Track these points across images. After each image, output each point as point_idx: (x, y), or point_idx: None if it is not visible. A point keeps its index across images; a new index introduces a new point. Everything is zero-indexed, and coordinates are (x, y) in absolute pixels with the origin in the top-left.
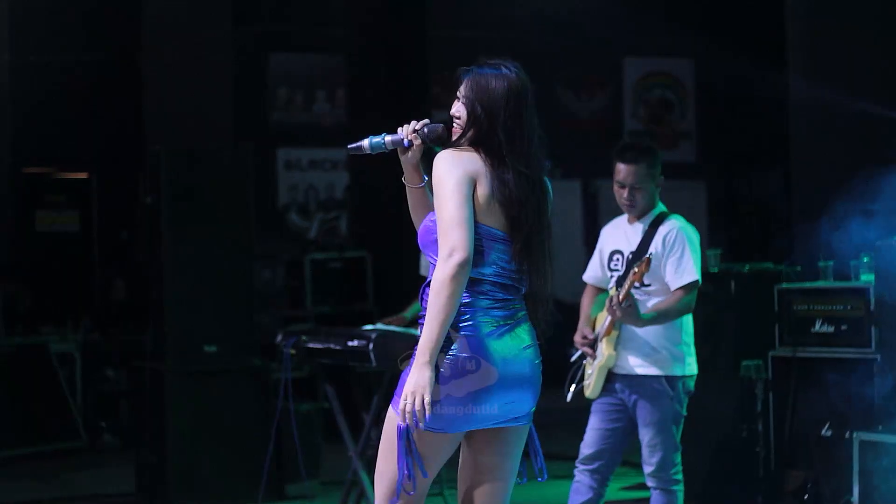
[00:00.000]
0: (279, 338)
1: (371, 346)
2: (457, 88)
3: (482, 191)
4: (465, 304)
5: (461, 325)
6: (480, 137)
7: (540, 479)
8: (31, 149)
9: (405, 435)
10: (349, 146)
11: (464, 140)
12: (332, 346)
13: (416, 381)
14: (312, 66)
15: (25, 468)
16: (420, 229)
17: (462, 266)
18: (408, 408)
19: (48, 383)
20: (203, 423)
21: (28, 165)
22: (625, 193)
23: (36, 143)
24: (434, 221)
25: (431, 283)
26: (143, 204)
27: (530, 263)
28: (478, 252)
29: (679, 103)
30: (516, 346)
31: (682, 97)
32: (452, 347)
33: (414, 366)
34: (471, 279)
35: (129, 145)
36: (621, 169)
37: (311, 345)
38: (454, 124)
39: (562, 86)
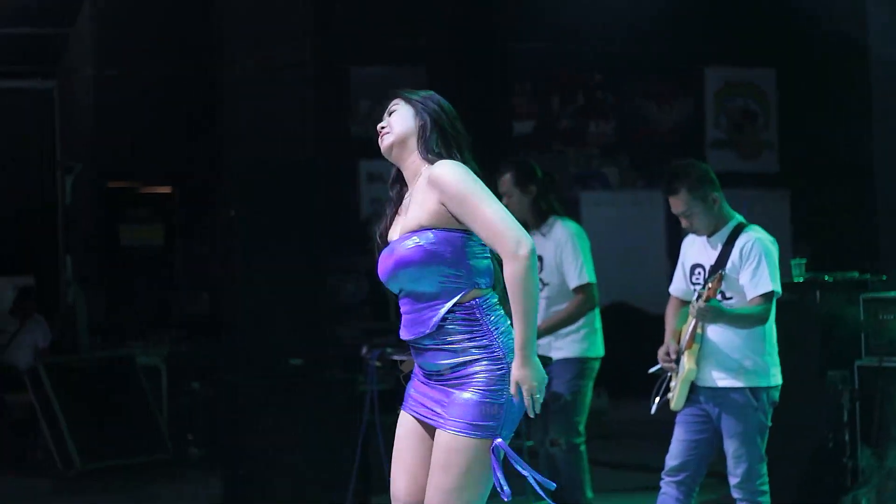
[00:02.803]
0: (364, 350)
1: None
2: (387, 106)
3: None
4: (499, 308)
5: (503, 329)
6: (443, 153)
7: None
8: (114, 164)
9: (500, 453)
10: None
11: (428, 156)
12: (405, 356)
13: (536, 375)
14: (394, 78)
15: (112, 481)
16: (409, 254)
17: (533, 253)
18: (538, 399)
19: (134, 396)
20: (288, 436)
21: (112, 180)
22: (683, 222)
23: (119, 157)
24: (431, 242)
25: (514, 281)
26: (226, 217)
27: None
28: (486, 261)
29: (761, 113)
30: None
31: (765, 106)
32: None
33: (524, 362)
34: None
35: (213, 159)
36: (669, 201)
37: (396, 356)
38: (383, 132)
39: (642, 96)
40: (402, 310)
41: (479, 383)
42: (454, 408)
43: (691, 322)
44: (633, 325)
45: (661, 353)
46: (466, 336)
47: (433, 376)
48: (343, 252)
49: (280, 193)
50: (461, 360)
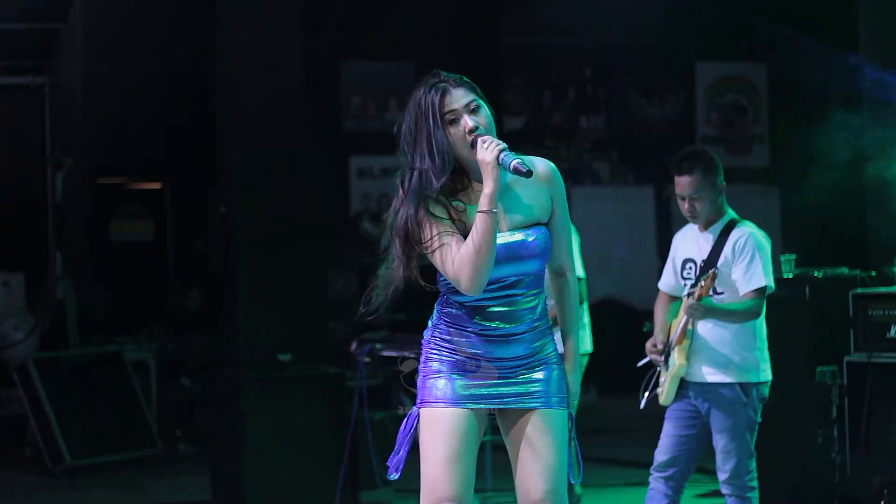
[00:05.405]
0: (353, 346)
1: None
2: (467, 96)
3: None
4: None
5: None
6: None
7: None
8: (105, 159)
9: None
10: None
11: None
12: (406, 353)
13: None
14: (385, 73)
15: (101, 476)
16: (540, 248)
17: None
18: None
19: (124, 391)
20: (278, 431)
21: (102, 176)
22: (686, 205)
23: (110, 153)
24: (548, 236)
25: (573, 293)
26: (218, 213)
27: None
28: None
29: (752, 107)
30: None
31: (755, 101)
32: None
33: (578, 374)
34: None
35: (203, 154)
36: (678, 181)
37: (385, 352)
38: (479, 133)
39: (634, 91)
40: (490, 303)
41: (557, 356)
42: (552, 384)
43: (682, 318)
44: (622, 321)
45: (648, 345)
46: (545, 316)
47: (509, 362)
48: (333, 247)
49: (273, 189)
50: (543, 340)
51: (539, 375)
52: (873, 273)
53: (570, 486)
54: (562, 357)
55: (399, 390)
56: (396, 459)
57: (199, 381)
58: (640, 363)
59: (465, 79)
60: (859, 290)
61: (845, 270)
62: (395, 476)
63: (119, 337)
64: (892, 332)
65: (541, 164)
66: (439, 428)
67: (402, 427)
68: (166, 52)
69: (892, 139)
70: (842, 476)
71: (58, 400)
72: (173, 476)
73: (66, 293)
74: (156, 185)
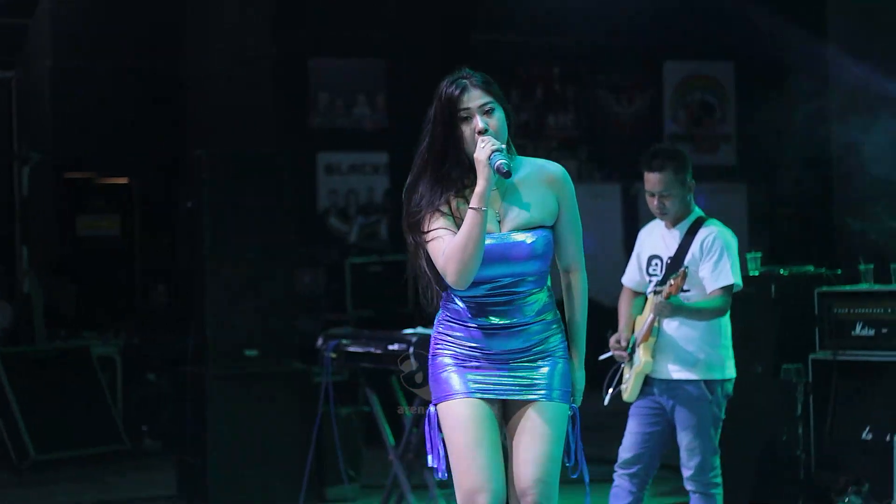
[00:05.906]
0: (320, 342)
1: (411, 349)
2: (483, 97)
3: None
4: None
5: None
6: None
7: None
8: (72, 154)
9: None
10: (504, 168)
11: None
12: (372, 349)
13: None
14: (353, 70)
15: (67, 472)
16: (538, 249)
17: None
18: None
19: (89, 387)
20: (244, 427)
21: (69, 170)
22: (655, 201)
23: (77, 148)
24: (550, 239)
25: (584, 291)
26: (184, 208)
27: None
28: None
29: (719, 106)
30: None
31: (723, 100)
32: None
33: (581, 366)
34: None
35: (170, 150)
36: (649, 177)
37: (351, 348)
38: (487, 135)
39: (602, 89)
40: (490, 300)
41: (563, 350)
42: (556, 377)
43: (649, 315)
44: (588, 317)
45: (612, 340)
46: (550, 310)
47: (505, 355)
48: (300, 243)
49: (240, 185)
50: (548, 332)
51: (544, 369)
52: (839, 271)
53: None
54: (569, 351)
55: (365, 386)
56: (438, 460)
57: (166, 376)
58: (602, 357)
59: (487, 79)
60: (825, 288)
61: (811, 268)
62: (444, 476)
63: (85, 332)
64: (857, 329)
65: (550, 168)
66: (455, 420)
67: (426, 430)
68: (134, 48)
69: (860, 129)
70: (806, 473)
71: (23, 395)
72: (139, 471)
73: (32, 288)
74: (123, 181)
